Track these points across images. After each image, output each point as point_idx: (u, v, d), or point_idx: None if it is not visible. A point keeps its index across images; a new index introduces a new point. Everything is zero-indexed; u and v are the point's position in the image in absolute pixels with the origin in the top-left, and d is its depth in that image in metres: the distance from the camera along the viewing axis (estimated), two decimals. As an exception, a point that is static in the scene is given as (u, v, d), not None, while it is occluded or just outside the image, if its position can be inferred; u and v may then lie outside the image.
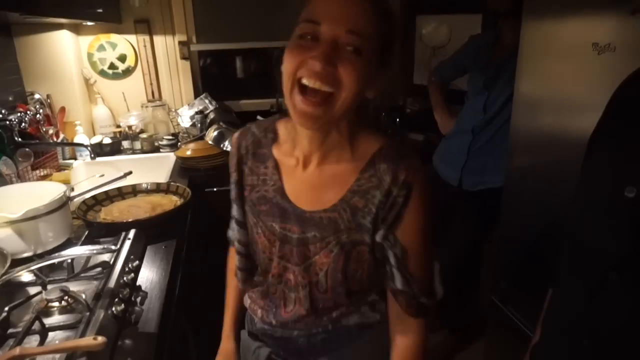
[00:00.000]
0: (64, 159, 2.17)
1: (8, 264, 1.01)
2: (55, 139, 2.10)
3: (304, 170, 0.83)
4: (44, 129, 2.04)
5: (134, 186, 1.67)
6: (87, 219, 1.43)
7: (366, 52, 0.69)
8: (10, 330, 0.94)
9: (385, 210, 0.78)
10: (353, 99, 0.71)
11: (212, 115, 2.41)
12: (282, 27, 2.53)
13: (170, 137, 2.39)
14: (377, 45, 0.71)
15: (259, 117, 2.58)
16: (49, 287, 1.09)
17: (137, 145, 2.35)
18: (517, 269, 1.56)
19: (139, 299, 1.08)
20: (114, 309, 0.98)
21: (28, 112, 1.92)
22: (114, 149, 2.29)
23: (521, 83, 1.47)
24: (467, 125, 1.94)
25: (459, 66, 2.09)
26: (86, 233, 1.34)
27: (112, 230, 1.35)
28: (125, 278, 1.09)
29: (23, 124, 1.82)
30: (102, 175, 1.47)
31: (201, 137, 2.31)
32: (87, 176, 2.04)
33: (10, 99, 2.00)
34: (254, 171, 0.87)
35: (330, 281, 0.83)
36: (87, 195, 1.49)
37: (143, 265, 1.23)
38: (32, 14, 1.37)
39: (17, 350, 0.82)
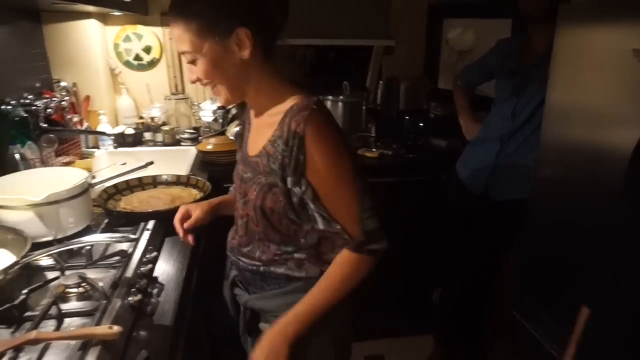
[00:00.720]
0: (87, 147, 2.19)
1: (28, 247, 1.01)
2: (79, 127, 2.12)
3: (254, 123, 1.06)
4: (69, 117, 2.06)
5: (154, 177, 1.67)
6: (108, 207, 1.43)
7: (198, 56, 0.92)
8: (28, 314, 0.94)
9: (287, 157, 0.93)
10: (221, 78, 0.94)
11: (233, 111, 2.41)
12: (306, 22, 2.52)
13: (192, 131, 2.39)
14: (202, 38, 0.90)
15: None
16: (67, 272, 1.09)
17: (159, 137, 2.36)
18: (540, 284, 1.51)
19: (155, 291, 1.07)
20: (130, 298, 0.97)
21: (54, 99, 1.95)
22: (135, 139, 2.30)
23: (553, 91, 1.43)
24: (494, 132, 1.89)
25: (486, 70, 2.05)
26: (106, 221, 1.34)
27: (132, 220, 1.35)
28: (142, 268, 1.08)
29: (49, 110, 1.84)
30: (124, 164, 1.47)
31: (222, 132, 2.31)
32: (109, 165, 2.06)
33: (37, 85, 2.02)
34: (244, 128, 1.15)
35: (258, 215, 1.01)
36: (109, 184, 1.49)
37: (160, 257, 1.22)
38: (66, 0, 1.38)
39: (33, 334, 0.81)
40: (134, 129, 2.34)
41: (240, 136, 1.17)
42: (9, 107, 1.68)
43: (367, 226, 0.97)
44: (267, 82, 0.98)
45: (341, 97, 2.36)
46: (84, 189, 1.24)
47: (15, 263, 0.97)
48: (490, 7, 2.39)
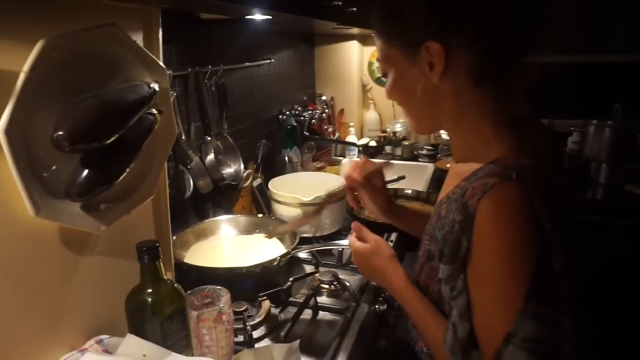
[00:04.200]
0: (335, 155, 2.44)
1: (297, 240, 1.17)
2: (332, 137, 2.37)
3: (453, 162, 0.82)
4: (325, 127, 2.33)
5: (395, 190, 1.73)
6: (353, 213, 1.54)
7: (387, 67, 0.73)
8: (291, 299, 1.08)
9: (449, 234, 0.65)
10: (404, 100, 0.75)
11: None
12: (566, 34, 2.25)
13: (430, 148, 2.41)
14: (388, 44, 0.71)
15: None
16: (321, 269, 1.22)
17: (398, 151, 2.46)
18: None
19: (396, 304, 1.10)
20: (377, 307, 1.02)
21: (316, 111, 2.22)
22: (377, 152, 2.45)
23: None
24: None
25: None
26: (354, 226, 1.43)
27: (376, 229, 1.41)
28: (388, 279, 1.13)
29: (313, 121, 2.11)
30: (380, 177, 1.57)
31: (462, 151, 2.25)
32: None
33: (305, 98, 2.35)
34: None
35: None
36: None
37: (402, 270, 1.25)
38: (347, 24, 1.57)
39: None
40: (376, 141, 2.50)
41: None
42: (284, 117, 2.00)
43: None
44: (468, 118, 0.70)
45: (609, 121, 2.03)
46: (342, 195, 1.36)
47: (288, 253, 1.13)
48: None
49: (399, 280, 0.79)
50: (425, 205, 1.66)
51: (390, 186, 1.69)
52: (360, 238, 0.87)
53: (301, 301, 1.04)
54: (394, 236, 1.35)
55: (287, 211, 1.34)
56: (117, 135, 0.65)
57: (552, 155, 0.75)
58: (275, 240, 1.26)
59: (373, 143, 2.46)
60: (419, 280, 0.77)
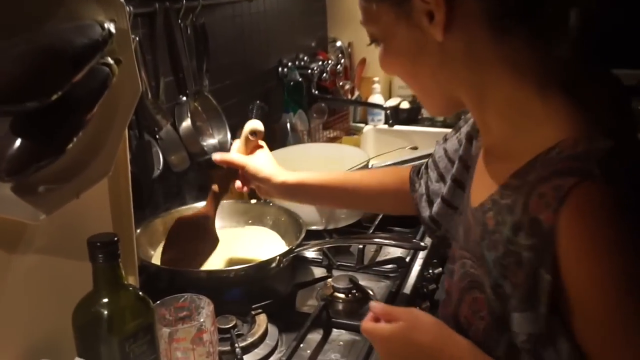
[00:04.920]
0: (354, 121, 2.42)
1: (303, 235, 1.17)
2: (349, 97, 2.35)
3: (482, 152, 0.79)
4: (341, 84, 2.31)
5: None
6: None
7: (375, 31, 0.73)
8: (294, 312, 1.08)
9: (512, 264, 0.60)
10: (404, 71, 0.74)
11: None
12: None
13: (483, 110, 2.39)
14: (382, 7, 0.69)
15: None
16: (335, 272, 1.22)
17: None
18: None
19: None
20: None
21: (329, 62, 2.20)
22: (410, 116, 2.42)
23: None
24: None
25: None
26: (380, 217, 1.43)
27: (407, 221, 1.41)
28: (425, 287, 1.13)
29: (324, 75, 2.09)
30: (416, 148, 1.56)
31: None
32: (375, 145, 2.23)
33: (313, 44, 2.32)
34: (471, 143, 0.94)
35: (450, 319, 0.75)
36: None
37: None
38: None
39: None
40: (409, 102, 2.47)
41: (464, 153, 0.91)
42: (285, 69, 1.98)
43: None
44: (498, 84, 0.66)
45: None
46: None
47: (290, 251, 1.13)
48: None
49: (462, 351, 0.68)
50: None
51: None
52: (382, 318, 0.74)
53: (309, 315, 1.04)
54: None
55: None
56: (60, 93, 0.64)
57: (629, 125, 0.67)
58: (273, 233, 1.26)
59: (405, 104, 2.43)
60: (459, 314, 0.73)
